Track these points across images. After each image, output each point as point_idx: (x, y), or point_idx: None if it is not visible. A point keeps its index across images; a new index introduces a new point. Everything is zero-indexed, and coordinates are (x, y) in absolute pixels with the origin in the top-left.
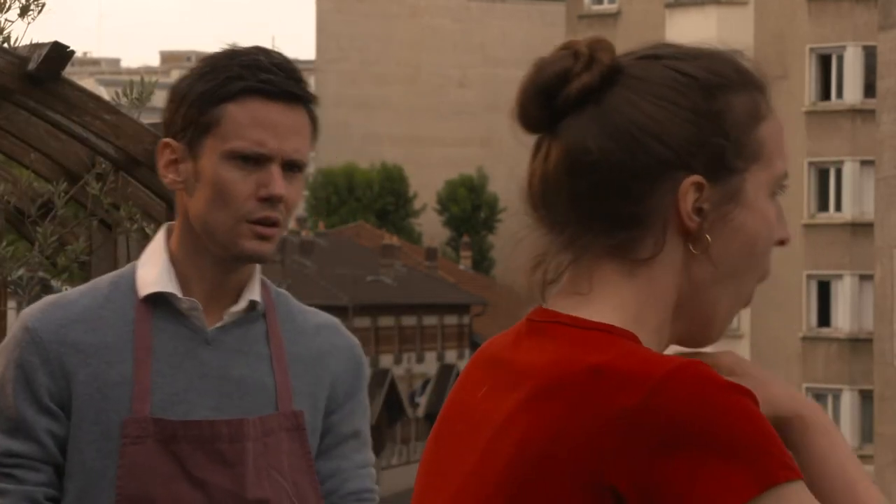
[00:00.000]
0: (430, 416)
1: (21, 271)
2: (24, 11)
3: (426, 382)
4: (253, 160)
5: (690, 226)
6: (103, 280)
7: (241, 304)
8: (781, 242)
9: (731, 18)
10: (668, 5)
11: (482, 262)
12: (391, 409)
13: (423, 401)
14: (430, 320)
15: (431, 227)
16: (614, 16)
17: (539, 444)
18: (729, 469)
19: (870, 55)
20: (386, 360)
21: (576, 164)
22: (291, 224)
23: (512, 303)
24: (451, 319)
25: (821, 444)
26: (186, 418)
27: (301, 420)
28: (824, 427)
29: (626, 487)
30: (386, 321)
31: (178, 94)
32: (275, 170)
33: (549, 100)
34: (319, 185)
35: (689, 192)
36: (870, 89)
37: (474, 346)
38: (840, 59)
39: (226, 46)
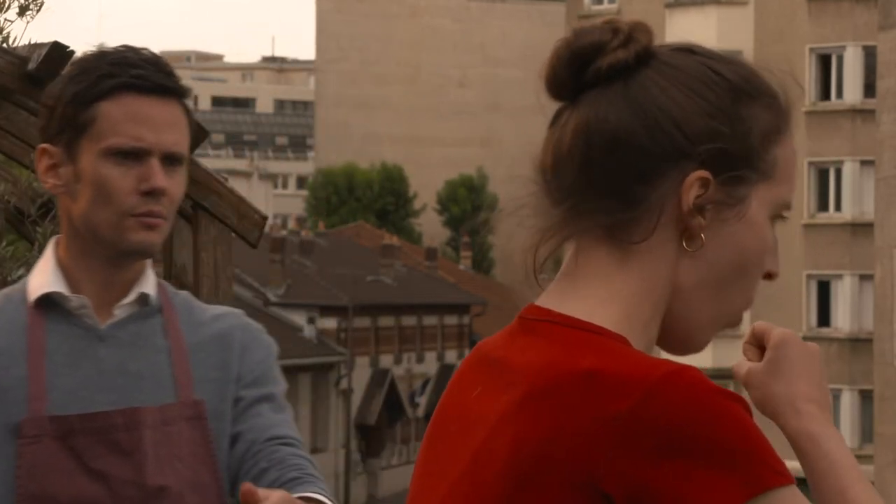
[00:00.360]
0: (430, 416)
1: (21, 271)
2: (22, 11)
3: (426, 382)
4: (132, 155)
5: (688, 219)
6: None
7: (131, 297)
8: (769, 276)
9: (731, 18)
10: (668, 5)
11: (482, 263)
12: (391, 409)
13: (423, 401)
14: (430, 320)
15: (431, 227)
16: (614, 16)
17: (533, 444)
18: (719, 475)
19: (870, 55)
20: (386, 360)
21: (593, 134)
22: (291, 224)
23: (512, 303)
24: (451, 319)
25: (808, 451)
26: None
27: (202, 409)
28: (809, 434)
29: (617, 492)
30: (386, 321)
31: (51, 99)
32: (154, 163)
33: (580, 67)
34: (319, 185)
35: (694, 184)
36: (870, 89)
37: (474, 346)
38: (840, 59)
39: (93, 49)
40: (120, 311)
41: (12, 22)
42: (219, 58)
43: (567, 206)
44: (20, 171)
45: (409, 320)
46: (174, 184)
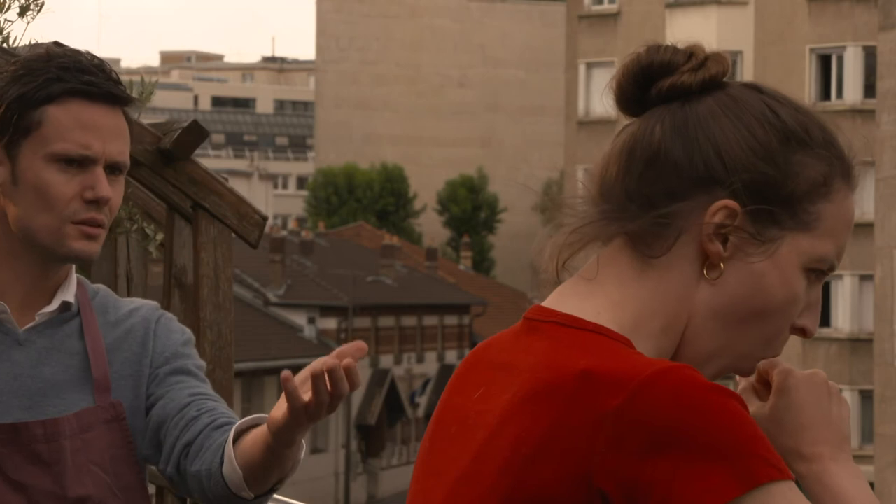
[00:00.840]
0: (430, 417)
1: None
2: (23, 11)
3: (426, 382)
4: (77, 163)
5: (707, 245)
6: None
7: (53, 306)
8: (802, 331)
9: (731, 18)
10: (669, 5)
11: (482, 263)
12: (391, 409)
13: (423, 401)
14: (431, 320)
15: (431, 227)
16: (614, 16)
17: (532, 444)
18: (711, 469)
19: (870, 55)
20: (386, 360)
21: (637, 144)
22: (291, 224)
23: (512, 303)
24: (451, 320)
25: (814, 490)
26: (0, 421)
27: (120, 410)
28: (814, 475)
29: (612, 489)
30: (386, 321)
31: None
32: (99, 172)
33: (645, 83)
34: (319, 185)
35: (719, 211)
36: (870, 89)
37: (474, 346)
38: (840, 59)
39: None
40: (40, 317)
41: (13, 22)
42: (219, 58)
43: (600, 210)
44: None
45: (409, 320)
46: (116, 193)
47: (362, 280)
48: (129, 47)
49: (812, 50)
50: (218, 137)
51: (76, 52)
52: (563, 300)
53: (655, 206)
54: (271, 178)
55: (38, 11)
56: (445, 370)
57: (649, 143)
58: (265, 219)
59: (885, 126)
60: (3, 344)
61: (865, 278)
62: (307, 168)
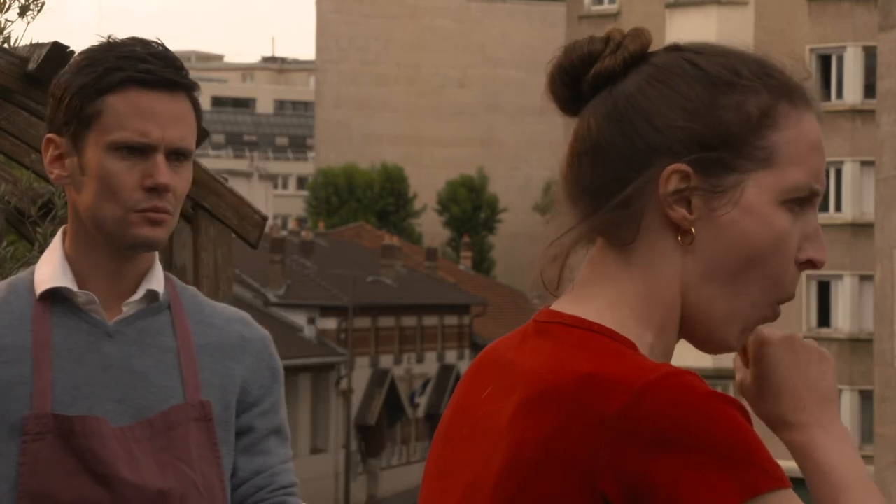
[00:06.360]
0: (430, 417)
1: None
2: (23, 11)
3: (426, 383)
4: (137, 150)
5: (672, 214)
6: (0, 284)
7: (139, 294)
8: (811, 263)
9: (732, 18)
10: (669, 5)
11: (482, 263)
12: (391, 410)
13: (423, 401)
14: (431, 321)
15: (432, 227)
16: (614, 16)
17: (534, 448)
18: (712, 476)
19: (870, 55)
20: (386, 361)
21: (578, 143)
22: (291, 224)
23: (512, 303)
24: (451, 320)
25: (802, 464)
26: (90, 412)
27: (209, 410)
28: (799, 446)
29: (615, 492)
30: (386, 321)
31: (59, 89)
32: (159, 159)
33: (573, 80)
34: (319, 186)
35: (670, 178)
36: (870, 89)
37: (474, 346)
38: (840, 59)
39: (102, 40)
40: (128, 308)
41: (13, 22)
42: (219, 58)
43: (573, 217)
44: (20, 172)
45: (409, 320)
46: (180, 179)
47: (362, 280)
48: None
49: (812, 50)
50: (218, 137)
51: (137, 41)
52: (567, 304)
53: (611, 196)
54: (271, 179)
55: (38, 11)
56: (445, 370)
57: (587, 137)
58: (265, 219)
59: (885, 126)
60: (93, 335)
61: (865, 278)
62: (307, 168)
